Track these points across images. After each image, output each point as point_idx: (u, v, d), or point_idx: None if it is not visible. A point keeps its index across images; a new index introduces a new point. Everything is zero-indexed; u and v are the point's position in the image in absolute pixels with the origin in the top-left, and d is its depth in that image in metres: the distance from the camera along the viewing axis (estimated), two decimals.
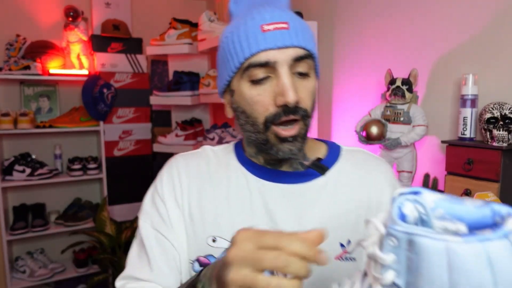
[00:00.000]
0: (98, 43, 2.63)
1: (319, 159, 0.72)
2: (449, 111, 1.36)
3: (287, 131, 0.64)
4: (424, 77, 1.43)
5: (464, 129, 1.22)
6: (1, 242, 2.37)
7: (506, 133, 1.11)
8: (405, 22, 1.50)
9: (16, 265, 2.47)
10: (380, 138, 1.44)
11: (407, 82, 1.42)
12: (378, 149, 1.53)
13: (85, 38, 2.54)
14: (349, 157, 0.75)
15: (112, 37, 2.65)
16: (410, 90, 1.41)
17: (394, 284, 0.34)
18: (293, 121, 0.65)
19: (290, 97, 0.60)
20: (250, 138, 0.69)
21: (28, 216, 2.49)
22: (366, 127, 1.46)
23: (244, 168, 0.73)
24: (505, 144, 1.10)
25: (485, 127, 1.15)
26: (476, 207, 0.34)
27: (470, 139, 1.22)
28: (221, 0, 2.65)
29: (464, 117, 1.22)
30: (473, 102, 1.21)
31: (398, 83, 1.42)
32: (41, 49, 2.44)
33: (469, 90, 1.21)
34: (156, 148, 2.48)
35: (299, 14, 1.80)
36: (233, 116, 0.72)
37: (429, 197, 0.35)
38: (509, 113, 1.12)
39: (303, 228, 0.65)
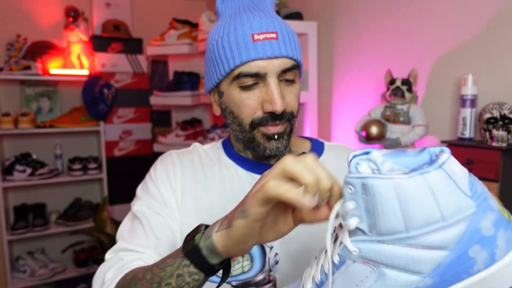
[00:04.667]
0: (98, 43, 2.63)
1: (303, 154, 0.75)
2: (448, 111, 1.36)
3: (274, 128, 0.68)
4: (424, 77, 1.43)
5: (464, 129, 1.22)
6: (1, 242, 2.37)
7: (506, 133, 1.11)
8: (405, 22, 1.50)
9: (17, 264, 2.47)
10: (380, 138, 1.44)
11: (406, 82, 1.42)
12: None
13: (85, 38, 2.55)
14: (331, 152, 0.80)
15: (112, 37, 2.65)
16: (409, 90, 1.42)
17: (358, 228, 0.38)
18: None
19: (278, 106, 0.65)
20: (237, 136, 0.73)
21: (28, 216, 2.50)
22: (366, 127, 1.47)
23: (234, 163, 0.77)
24: (504, 144, 1.11)
25: (485, 127, 1.15)
26: (416, 154, 0.39)
27: (470, 139, 1.22)
28: None
29: (463, 117, 1.22)
30: (473, 102, 1.22)
31: (398, 83, 1.43)
32: (41, 49, 2.45)
33: (469, 90, 1.21)
34: (157, 148, 2.48)
35: (299, 14, 1.80)
36: (220, 114, 0.75)
37: (378, 154, 0.40)
38: (508, 113, 1.12)
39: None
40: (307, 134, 1.85)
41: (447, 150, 0.37)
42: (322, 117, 1.92)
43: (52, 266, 2.51)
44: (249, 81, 0.66)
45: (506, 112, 1.12)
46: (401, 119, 1.43)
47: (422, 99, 1.45)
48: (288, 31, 0.68)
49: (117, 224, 2.56)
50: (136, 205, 0.74)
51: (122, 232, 0.73)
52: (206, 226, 0.51)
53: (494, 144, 1.12)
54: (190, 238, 0.50)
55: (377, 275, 0.38)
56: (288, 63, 0.67)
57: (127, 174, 2.76)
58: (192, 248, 0.48)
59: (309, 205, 0.40)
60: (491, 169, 1.11)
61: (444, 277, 0.36)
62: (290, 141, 0.79)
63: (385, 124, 1.46)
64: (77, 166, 2.56)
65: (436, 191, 0.35)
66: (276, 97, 0.65)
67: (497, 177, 1.10)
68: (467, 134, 1.22)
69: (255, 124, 0.68)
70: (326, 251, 0.44)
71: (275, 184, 0.40)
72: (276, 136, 0.68)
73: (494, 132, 1.12)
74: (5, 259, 2.39)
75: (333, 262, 0.41)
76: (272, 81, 0.66)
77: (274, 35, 0.65)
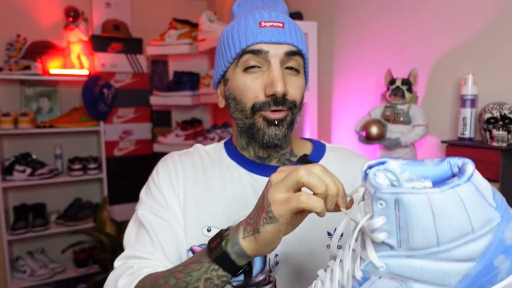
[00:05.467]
0: (98, 43, 2.63)
1: (305, 155, 0.77)
2: (448, 111, 1.36)
3: (275, 114, 0.68)
4: (424, 77, 1.43)
5: (464, 129, 1.22)
6: (1, 242, 2.37)
7: (506, 133, 1.11)
8: (405, 22, 1.50)
9: (16, 264, 2.47)
10: (380, 138, 1.44)
11: (406, 82, 1.42)
12: (378, 149, 1.53)
13: (85, 38, 2.55)
14: (333, 154, 0.80)
15: (112, 37, 2.65)
16: (409, 90, 1.42)
17: (384, 243, 0.38)
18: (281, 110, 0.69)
19: (279, 88, 0.65)
20: (239, 126, 0.73)
21: (28, 216, 2.50)
22: (366, 127, 1.47)
23: (235, 163, 0.77)
24: (504, 144, 1.11)
25: (485, 127, 1.15)
26: (435, 164, 0.39)
27: (470, 139, 1.22)
28: (221, 0, 2.65)
29: (463, 117, 1.22)
30: (473, 102, 1.22)
31: (398, 83, 1.43)
32: (41, 49, 2.45)
33: (469, 90, 1.21)
34: (157, 148, 2.48)
35: (299, 14, 1.80)
36: (225, 106, 0.76)
37: (395, 163, 0.40)
38: (508, 113, 1.12)
39: None
40: (307, 134, 1.85)
41: (470, 162, 0.37)
42: (322, 117, 1.92)
43: (52, 266, 2.52)
44: (251, 61, 0.68)
45: (506, 112, 1.12)
46: (401, 119, 1.43)
47: (422, 99, 1.45)
48: (295, 25, 0.71)
49: (117, 224, 2.56)
50: (140, 210, 0.75)
51: (129, 239, 0.74)
52: (226, 230, 0.55)
53: (494, 144, 1.12)
54: (216, 244, 0.54)
55: None
56: (292, 48, 0.69)
57: (127, 174, 2.76)
58: (220, 254, 0.53)
59: (326, 213, 0.48)
60: (491, 169, 1.11)
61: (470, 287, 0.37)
62: (292, 141, 0.79)
63: (385, 124, 1.46)
64: (77, 166, 2.56)
65: (467, 204, 0.35)
66: (278, 78, 0.66)
67: (497, 177, 1.10)
68: (467, 134, 1.22)
69: (256, 109, 0.68)
70: (336, 266, 0.43)
71: (306, 198, 0.47)
72: (276, 122, 0.68)
73: (494, 132, 1.12)
74: (5, 259, 2.39)
75: (354, 278, 0.41)
76: (275, 62, 0.67)
77: (280, 24, 0.68)
